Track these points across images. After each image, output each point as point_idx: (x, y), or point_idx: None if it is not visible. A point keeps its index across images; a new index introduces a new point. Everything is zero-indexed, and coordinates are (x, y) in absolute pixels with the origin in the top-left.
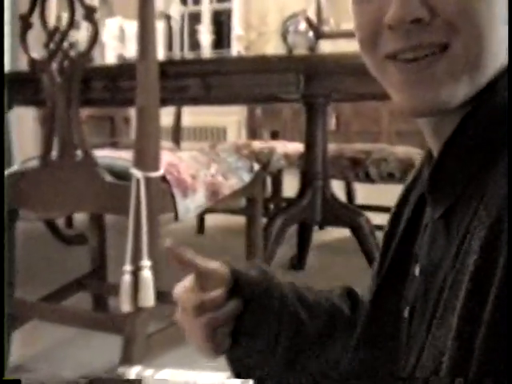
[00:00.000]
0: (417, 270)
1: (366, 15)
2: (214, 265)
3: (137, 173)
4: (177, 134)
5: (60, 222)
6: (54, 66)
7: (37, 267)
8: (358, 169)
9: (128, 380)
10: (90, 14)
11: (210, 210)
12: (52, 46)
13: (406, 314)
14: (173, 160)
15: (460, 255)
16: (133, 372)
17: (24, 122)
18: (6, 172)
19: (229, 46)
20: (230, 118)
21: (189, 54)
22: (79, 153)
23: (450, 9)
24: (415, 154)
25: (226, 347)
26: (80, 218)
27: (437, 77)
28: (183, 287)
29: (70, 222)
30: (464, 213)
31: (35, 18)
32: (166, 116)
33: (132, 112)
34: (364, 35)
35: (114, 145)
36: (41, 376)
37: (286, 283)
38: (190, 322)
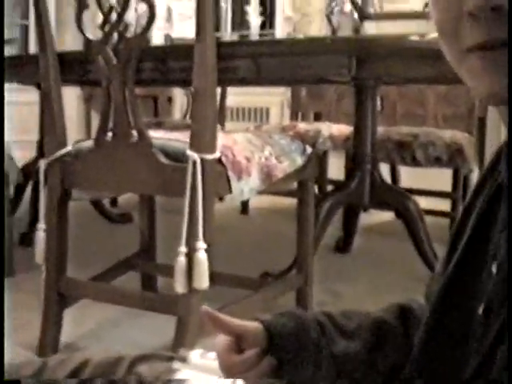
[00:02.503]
0: (494, 268)
1: (445, 3)
2: (248, 325)
3: (193, 155)
4: (221, 114)
5: (105, 200)
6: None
7: (85, 245)
8: (404, 152)
9: (172, 357)
10: None
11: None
12: (108, 26)
13: (480, 311)
14: (228, 142)
15: None
16: (194, 354)
17: (67, 101)
18: (60, 152)
19: (271, 26)
20: (273, 98)
21: (235, 35)
22: (134, 133)
23: None
24: (462, 138)
25: None
26: (124, 197)
27: None
28: (221, 345)
29: (115, 201)
30: None
31: None
32: None
33: (176, 92)
34: (444, 24)
35: (159, 125)
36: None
37: (322, 317)
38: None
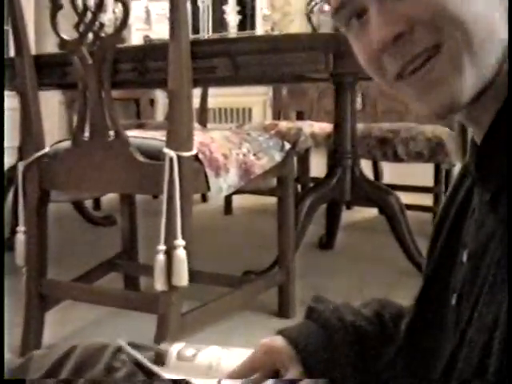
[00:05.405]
0: (464, 256)
1: (363, 50)
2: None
3: (170, 152)
4: (203, 115)
5: (88, 203)
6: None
7: (67, 248)
8: (386, 148)
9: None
10: None
11: (238, 191)
12: (82, 26)
13: (453, 301)
14: (205, 140)
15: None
16: (174, 349)
17: (50, 106)
18: (38, 153)
19: (252, 27)
20: (255, 98)
21: (215, 36)
22: (111, 133)
23: (423, 14)
24: (443, 132)
25: None
26: (108, 200)
27: (442, 78)
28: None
29: (98, 204)
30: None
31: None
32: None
33: (158, 94)
34: (369, 68)
35: (141, 126)
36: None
37: (343, 309)
38: None
